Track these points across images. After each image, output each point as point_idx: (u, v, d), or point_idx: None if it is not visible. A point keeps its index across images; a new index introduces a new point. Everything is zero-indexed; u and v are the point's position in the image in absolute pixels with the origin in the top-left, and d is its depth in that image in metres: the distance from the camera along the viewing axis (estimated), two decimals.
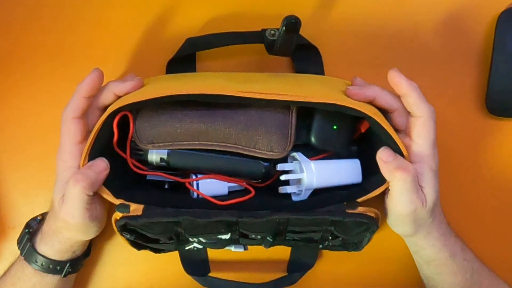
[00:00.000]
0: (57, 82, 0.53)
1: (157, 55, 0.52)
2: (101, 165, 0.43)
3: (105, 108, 0.44)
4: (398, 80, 0.44)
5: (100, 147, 0.44)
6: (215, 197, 0.49)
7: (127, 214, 0.44)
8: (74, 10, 0.53)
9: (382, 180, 0.44)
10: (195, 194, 0.48)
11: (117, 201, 0.44)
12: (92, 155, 0.44)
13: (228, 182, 0.49)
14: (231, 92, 0.42)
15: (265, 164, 0.48)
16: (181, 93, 0.42)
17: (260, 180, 0.50)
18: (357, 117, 0.48)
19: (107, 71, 0.52)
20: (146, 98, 0.42)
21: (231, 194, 0.50)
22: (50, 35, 0.53)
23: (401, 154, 0.44)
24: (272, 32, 0.48)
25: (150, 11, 0.53)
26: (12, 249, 0.54)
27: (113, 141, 0.45)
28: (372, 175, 0.46)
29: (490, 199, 0.54)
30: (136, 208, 0.44)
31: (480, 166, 0.54)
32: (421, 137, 0.43)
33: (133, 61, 0.53)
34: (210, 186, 0.48)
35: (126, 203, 0.44)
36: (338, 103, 0.42)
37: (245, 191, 0.49)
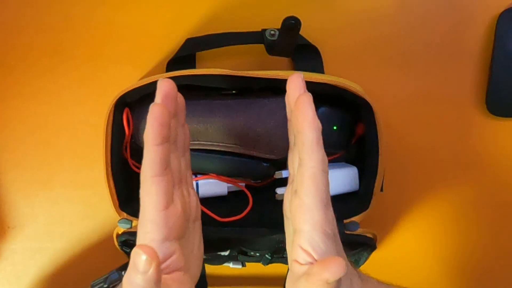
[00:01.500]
0: (57, 82, 0.53)
1: (157, 55, 0.52)
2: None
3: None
4: (302, 107, 0.33)
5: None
6: (214, 197, 0.49)
7: (129, 230, 0.44)
8: (74, 10, 0.53)
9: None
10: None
11: (120, 214, 0.44)
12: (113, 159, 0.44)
13: (227, 183, 0.49)
14: (229, 73, 0.42)
15: (265, 164, 0.48)
16: (180, 75, 0.42)
17: (259, 181, 0.50)
18: (357, 119, 0.48)
19: (107, 71, 0.53)
20: (150, 81, 0.42)
21: (231, 194, 0.50)
22: (49, 34, 0.53)
23: (377, 151, 0.43)
24: (272, 32, 0.47)
25: (150, 11, 0.53)
26: (12, 249, 0.54)
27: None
28: (367, 179, 0.46)
29: (490, 199, 0.54)
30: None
31: (480, 166, 0.54)
32: (310, 196, 0.33)
33: (133, 61, 0.53)
34: (209, 187, 0.48)
35: (129, 218, 0.44)
36: (330, 82, 0.42)
37: (244, 195, 0.49)
